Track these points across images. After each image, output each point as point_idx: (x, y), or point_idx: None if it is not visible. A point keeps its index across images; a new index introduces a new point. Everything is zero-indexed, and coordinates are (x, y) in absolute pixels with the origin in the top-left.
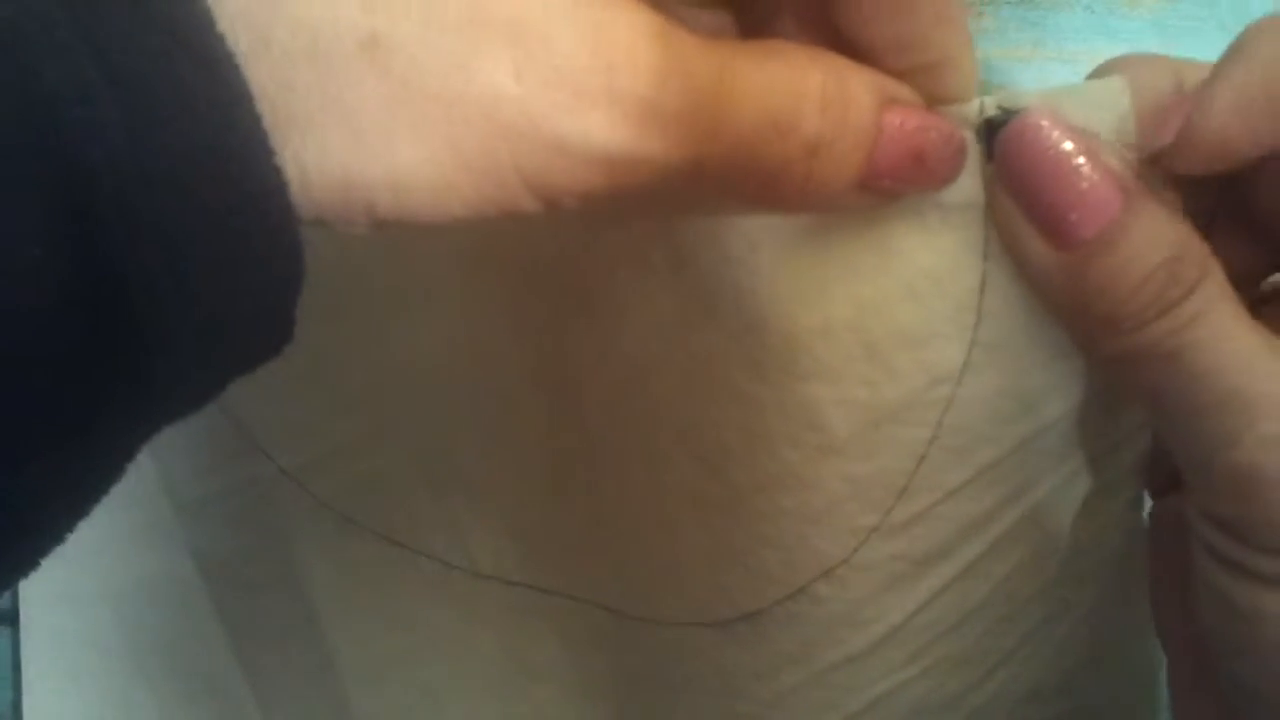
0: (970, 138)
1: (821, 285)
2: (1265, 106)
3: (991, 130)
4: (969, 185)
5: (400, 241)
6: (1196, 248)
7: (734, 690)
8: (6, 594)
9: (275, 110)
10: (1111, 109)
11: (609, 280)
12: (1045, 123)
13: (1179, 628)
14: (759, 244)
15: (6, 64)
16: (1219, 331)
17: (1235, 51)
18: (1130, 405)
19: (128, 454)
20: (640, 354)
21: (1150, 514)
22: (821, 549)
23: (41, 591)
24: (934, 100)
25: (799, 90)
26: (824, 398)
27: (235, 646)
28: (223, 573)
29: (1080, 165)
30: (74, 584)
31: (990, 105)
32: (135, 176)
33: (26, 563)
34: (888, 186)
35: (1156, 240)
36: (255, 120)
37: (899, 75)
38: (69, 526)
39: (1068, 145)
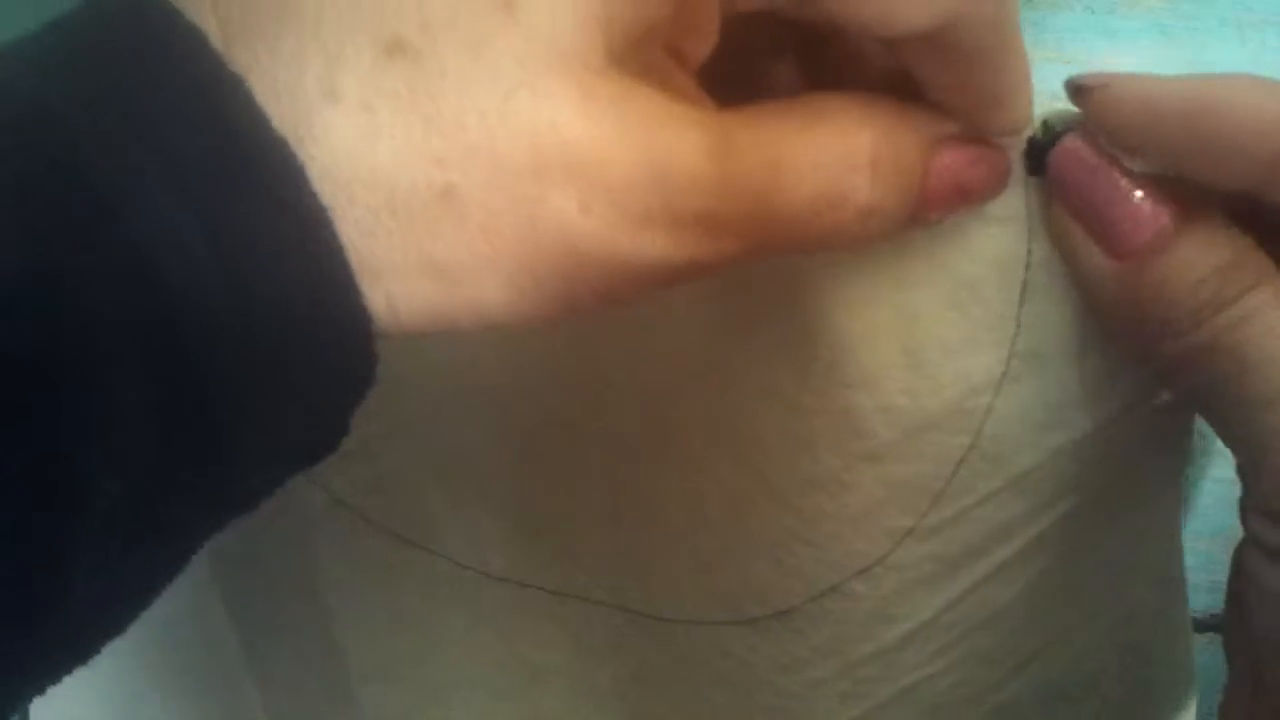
0: (1015, 155)
1: (866, 294)
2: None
3: (1033, 147)
4: (1011, 198)
5: None
6: (1253, 255)
7: (758, 684)
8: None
9: (360, 257)
10: None
11: None
12: (1088, 146)
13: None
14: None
15: (113, 233)
16: (1273, 327)
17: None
18: (1179, 416)
19: (189, 554)
20: (682, 358)
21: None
22: (858, 549)
23: None
24: (990, 134)
25: (850, 161)
26: (867, 405)
27: (244, 644)
28: (235, 570)
29: (1133, 177)
30: None
31: (1035, 122)
32: (232, 325)
33: (91, 652)
34: (934, 219)
35: (1213, 246)
36: (345, 269)
37: (953, 111)
38: (132, 619)
39: (1113, 163)
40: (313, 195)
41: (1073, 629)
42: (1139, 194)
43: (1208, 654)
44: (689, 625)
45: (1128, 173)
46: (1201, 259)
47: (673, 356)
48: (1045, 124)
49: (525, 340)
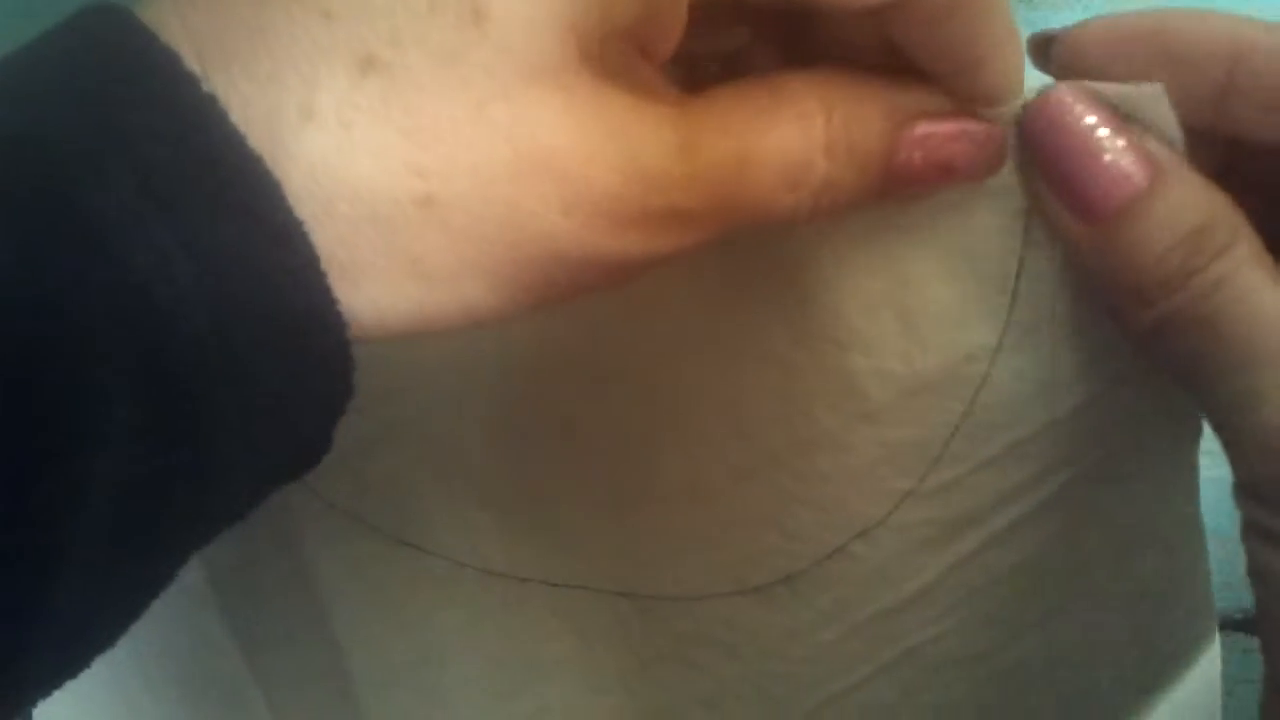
0: (1011, 126)
1: (862, 261)
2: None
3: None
4: (1008, 172)
5: None
6: (1227, 215)
7: (766, 653)
8: None
9: (344, 265)
10: (1151, 112)
11: None
12: (1068, 97)
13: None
14: None
15: (98, 254)
16: (1245, 292)
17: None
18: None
19: (177, 566)
20: (676, 330)
21: None
22: (858, 510)
23: None
24: (976, 101)
25: (807, 143)
26: (862, 367)
27: (244, 650)
28: (231, 577)
29: (1103, 138)
30: None
31: (1033, 93)
32: (216, 346)
33: (80, 665)
34: (915, 192)
35: (1183, 211)
36: (321, 280)
37: (940, 78)
38: (122, 631)
39: (1090, 119)
40: (288, 210)
41: (1079, 597)
42: (1109, 157)
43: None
44: (693, 601)
45: (1102, 135)
46: (1171, 224)
47: (666, 330)
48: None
49: (515, 328)
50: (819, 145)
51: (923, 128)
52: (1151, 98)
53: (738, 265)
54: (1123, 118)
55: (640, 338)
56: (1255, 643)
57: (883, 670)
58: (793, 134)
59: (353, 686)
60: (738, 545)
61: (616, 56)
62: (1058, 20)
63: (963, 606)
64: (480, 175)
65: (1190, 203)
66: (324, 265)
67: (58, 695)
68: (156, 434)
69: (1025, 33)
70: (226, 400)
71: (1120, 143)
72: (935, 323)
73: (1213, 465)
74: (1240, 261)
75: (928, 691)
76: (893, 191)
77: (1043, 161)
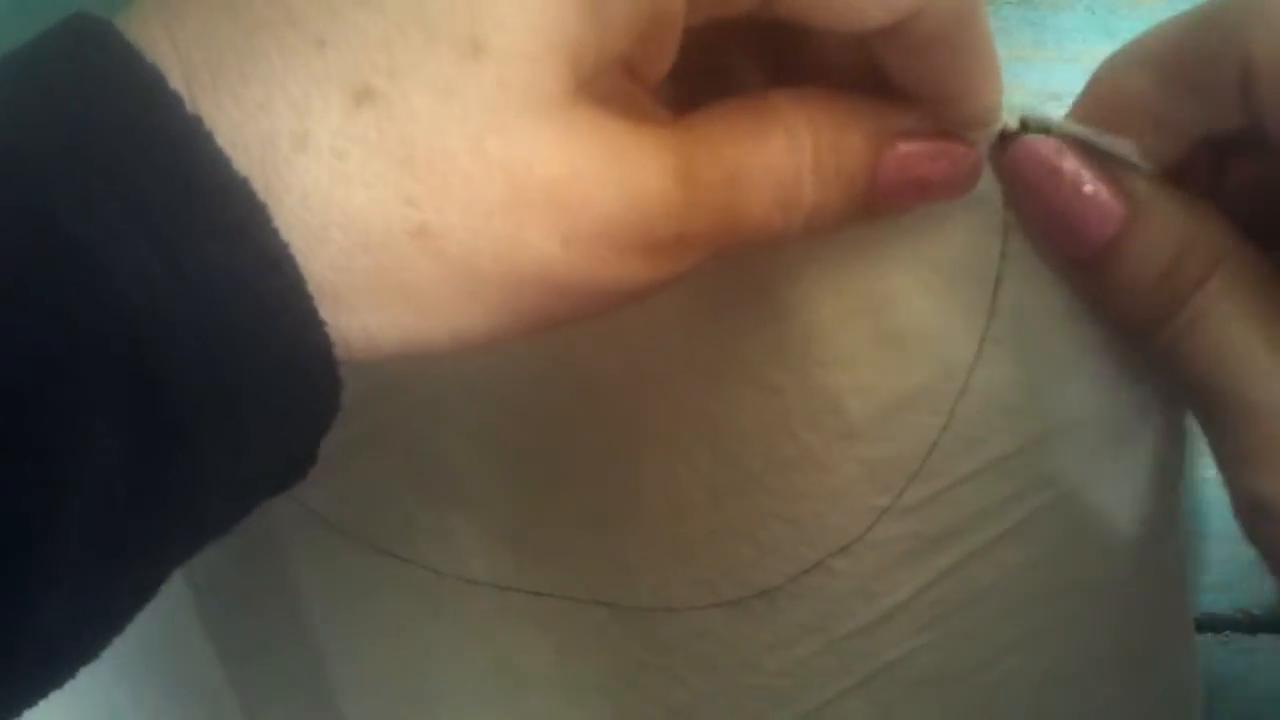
0: (986, 145)
1: (839, 277)
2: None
3: (1006, 140)
4: (986, 189)
5: None
6: (1203, 242)
7: (744, 665)
8: None
9: (336, 290)
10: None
11: None
12: (1042, 144)
13: None
14: None
15: (83, 275)
16: (1219, 332)
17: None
18: (1170, 411)
19: (161, 580)
20: (656, 346)
21: None
22: (836, 526)
23: None
24: (957, 127)
25: (797, 162)
26: (842, 384)
27: (222, 657)
28: (211, 584)
29: (1081, 180)
30: None
31: (1013, 120)
32: (203, 367)
33: (63, 677)
34: (893, 210)
35: (1160, 244)
36: (307, 301)
37: (922, 103)
38: (105, 643)
39: (1067, 164)
40: (274, 233)
41: (1065, 618)
42: (1087, 198)
43: (1205, 654)
44: (671, 612)
45: (1081, 181)
46: (1149, 261)
47: (646, 346)
48: (1023, 121)
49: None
50: (808, 165)
51: (903, 147)
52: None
53: (718, 283)
54: (1097, 158)
55: (621, 352)
56: (1254, 642)
57: (860, 686)
58: (781, 153)
59: (332, 696)
60: (714, 559)
61: (609, 81)
62: (1057, 20)
63: (942, 623)
64: (476, 208)
65: (1165, 235)
66: (313, 289)
67: (39, 703)
68: (142, 453)
69: (1026, 32)
70: (213, 419)
71: (1096, 183)
72: (914, 337)
73: (1211, 465)
74: (1213, 295)
75: (904, 707)
76: (875, 210)
77: (1027, 205)
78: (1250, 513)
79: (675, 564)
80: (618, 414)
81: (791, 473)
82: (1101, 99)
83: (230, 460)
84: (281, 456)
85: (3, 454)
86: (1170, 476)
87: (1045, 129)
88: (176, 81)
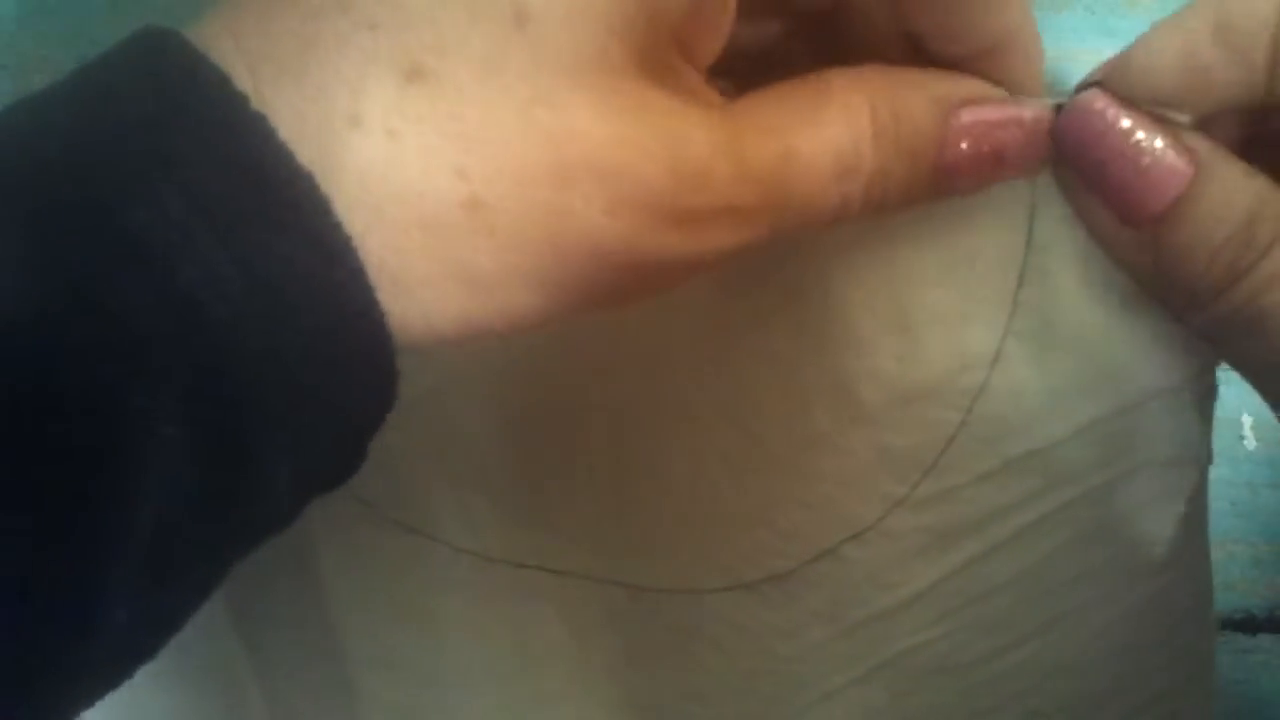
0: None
1: (862, 259)
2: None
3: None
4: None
5: None
6: (1273, 204)
7: (755, 649)
8: None
9: (394, 272)
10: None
11: None
12: (1100, 103)
13: None
14: None
15: (153, 276)
16: None
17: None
18: (1194, 410)
19: (221, 578)
20: (678, 322)
21: None
22: (852, 512)
23: None
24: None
25: (855, 134)
26: (854, 367)
27: (239, 629)
28: None
29: (1141, 141)
30: None
31: (1056, 99)
32: (270, 363)
33: (125, 677)
34: (968, 185)
35: (1228, 206)
36: (370, 293)
37: (962, 67)
38: (164, 643)
39: (1125, 123)
40: (337, 226)
41: (1082, 608)
42: (1149, 158)
43: (1228, 653)
44: (685, 594)
45: (1140, 137)
46: (1218, 221)
47: (669, 322)
48: (1076, 90)
49: None
50: (866, 136)
51: (969, 114)
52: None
53: (739, 261)
54: (1156, 116)
55: (639, 323)
56: (1254, 642)
57: (873, 672)
58: (839, 127)
59: (347, 668)
60: (731, 540)
61: (661, 60)
62: (1057, 20)
63: (957, 614)
64: (524, 177)
65: (1235, 195)
66: (374, 276)
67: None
68: (209, 457)
69: None
70: (277, 416)
71: (1158, 142)
72: (932, 325)
73: (1212, 467)
74: None
75: (918, 695)
76: (946, 185)
77: (1083, 168)
78: None
79: (695, 546)
80: (639, 388)
81: (808, 453)
82: (1133, 69)
83: (292, 457)
84: (341, 451)
85: (74, 460)
86: (1196, 475)
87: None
88: (242, 80)
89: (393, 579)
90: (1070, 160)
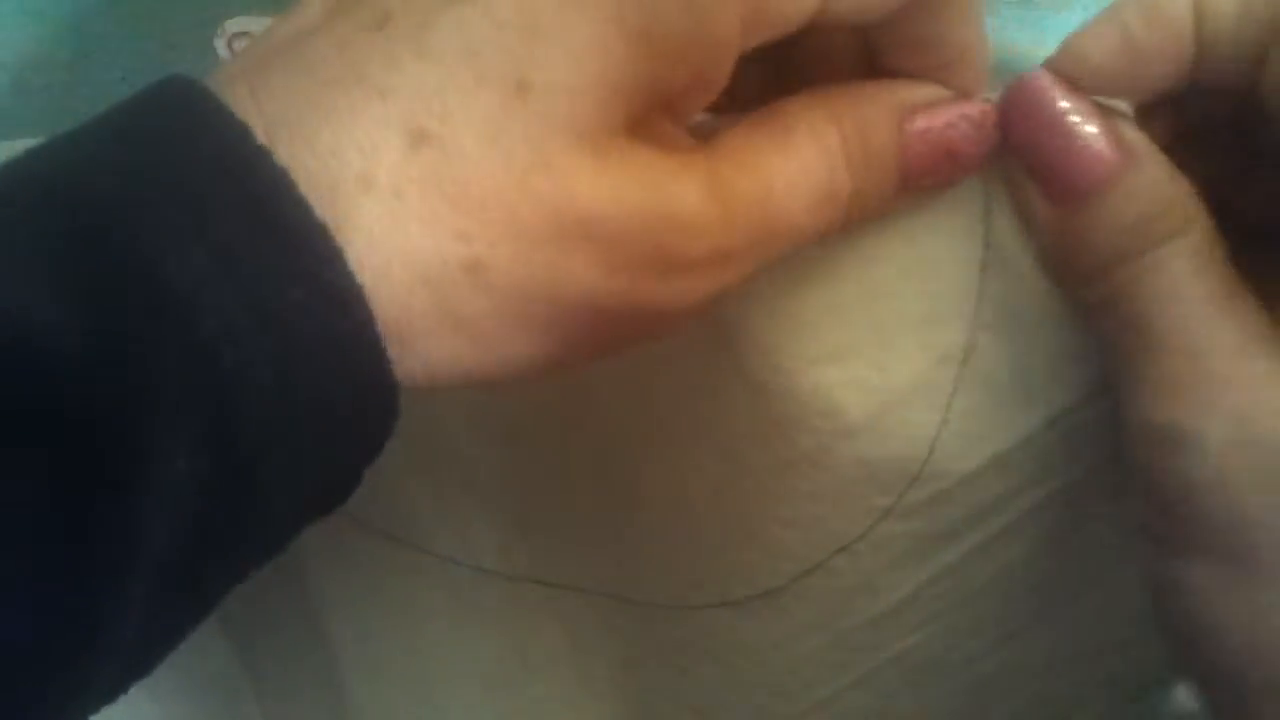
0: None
1: (827, 266)
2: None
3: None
4: None
5: None
6: (1183, 204)
7: (750, 661)
8: None
9: (400, 325)
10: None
11: None
12: (1044, 82)
13: None
14: None
15: (171, 317)
16: (1174, 279)
17: None
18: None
19: (220, 598)
20: (655, 344)
21: None
22: (837, 527)
23: None
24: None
25: (828, 159)
26: (834, 380)
27: (235, 643)
28: None
29: (1077, 122)
30: None
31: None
32: (279, 404)
33: (122, 691)
34: (930, 185)
35: (1143, 195)
36: (378, 340)
37: (916, 73)
38: (160, 662)
39: (1064, 103)
40: (350, 276)
41: (1067, 602)
42: (1083, 141)
43: None
44: (679, 610)
45: (1076, 120)
46: (1129, 206)
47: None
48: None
49: None
50: (839, 159)
51: (924, 119)
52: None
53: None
54: (1096, 103)
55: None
56: None
57: (865, 677)
58: (811, 155)
59: (341, 676)
60: (718, 559)
61: (650, 120)
62: (1056, 20)
63: (946, 615)
64: (523, 241)
65: (1152, 187)
66: (380, 327)
67: None
68: (216, 489)
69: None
70: (283, 455)
71: (1093, 127)
72: (905, 328)
73: None
74: (1180, 251)
75: (910, 695)
76: (909, 190)
77: (1019, 144)
78: (1155, 446)
79: (681, 561)
80: (622, 405)
81: (790, 474)
82: (1075, 55)
83: (296, 492)
84: (340, 482)
85: (88, 486)
86: None
87: None
88: (261, 135)
89: (384, 590)
90: (1009, 136)
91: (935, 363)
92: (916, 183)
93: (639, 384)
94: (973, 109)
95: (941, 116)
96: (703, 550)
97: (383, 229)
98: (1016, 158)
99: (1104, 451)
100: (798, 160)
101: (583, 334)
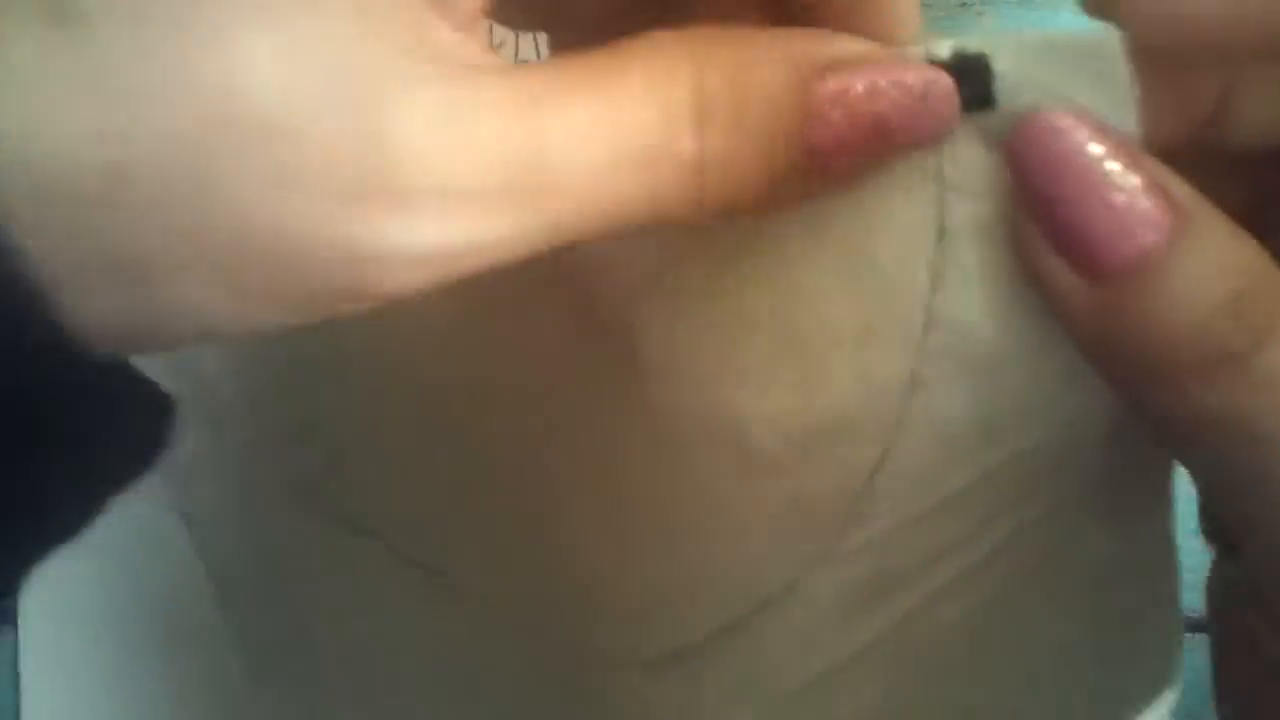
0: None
1: (741, 272)
2: None
3: (964, 69)
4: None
5: None
6: (1266, 274)
7: None
8: None
9: (43, 263)
10: (1104, 78)
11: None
12: (1067, 122)
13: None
14: None
15: None
16: None
17: None
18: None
19: (15, 588)
20: (537, 363)
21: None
22: (757, 576)
23: (41, 595)
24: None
25: (664, 107)
26: (750, 407)
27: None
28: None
29: (1113, 173)
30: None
31: (943, 47)
32: None
33: None
34: (848, 168)
35: (1217, 269)
36: (28, 280)
37: (833, 23)
38: None
39: (1095, 149)
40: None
41: (1036, 644)
42: (1122, 198)
43: (1199, 653)
44: (586, 674)
45: (1112, 170)
46: (1204, 290)
47: (525, 364)
48: (956, 51)
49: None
50: (683, 114)
51: (837, 79)
52: (1107, 53)
53: (607, 285)
54: (1128, 139)
55: (502, 367)
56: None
57: None
58: (634, 103)
59: (321, 667)
60: (617, 607)
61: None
62: (1057, 20)
63: (909, 664)
64: (171, 140)
65: (1226, 260)
66: (35, 266)
67: (42, 644)
68: None
69: (1021, 33)
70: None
71: (1135, 180)
72: (834, 347)
73: None
74: None
75: None
76: (830, 170)
77: (1036, 201)
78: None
79: (584, 622)
80: (511, 431)
81: (697, 514)
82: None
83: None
84: (110, 461)
85: None
86: (1156, 486)
87: (985, 67)
88: None
89: (345, 580)
90: (1022, 189)
91: (872, 391)
92: (836, 163)
93: (531, 399)
94: (909, 72)
95: (867, 77)
96: (602, 606)
97: (19, 128)
98: (1031, 218)
99: (1077, 480)
100: (618, 106)
101: (287, 277)
